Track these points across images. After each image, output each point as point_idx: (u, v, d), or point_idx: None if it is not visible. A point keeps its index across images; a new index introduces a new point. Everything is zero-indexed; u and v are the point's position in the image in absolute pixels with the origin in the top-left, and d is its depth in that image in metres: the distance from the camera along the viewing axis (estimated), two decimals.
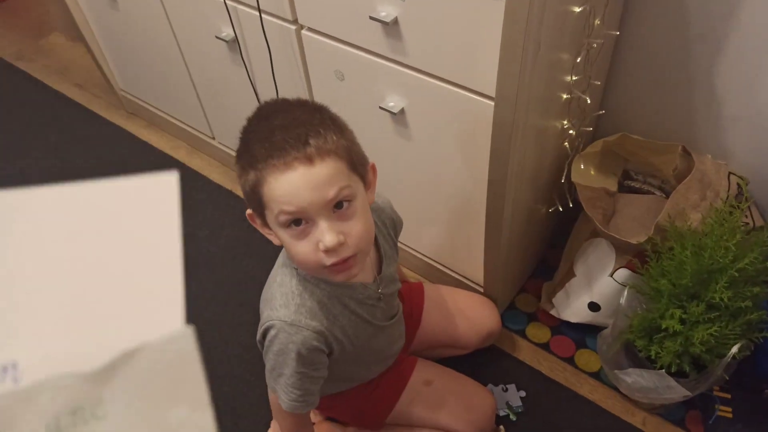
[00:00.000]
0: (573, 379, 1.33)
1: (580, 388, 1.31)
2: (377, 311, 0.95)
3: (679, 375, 1.10)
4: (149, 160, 1.99)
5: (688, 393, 1.10)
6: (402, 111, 1.18)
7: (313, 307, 0.84)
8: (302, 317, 0.82)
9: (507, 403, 1.30)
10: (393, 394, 1.12)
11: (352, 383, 1.10)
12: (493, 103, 1.01)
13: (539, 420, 1.27)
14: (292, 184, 0.70)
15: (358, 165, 0.77)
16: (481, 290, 1.42)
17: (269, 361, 0.86)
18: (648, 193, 1.34)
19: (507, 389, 1.32)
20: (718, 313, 1.03)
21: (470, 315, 1.29)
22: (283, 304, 0.83)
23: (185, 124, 1.97)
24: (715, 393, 1.23)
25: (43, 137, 2.10)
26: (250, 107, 1.56)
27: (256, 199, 0.74)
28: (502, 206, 1.17)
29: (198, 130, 1.94)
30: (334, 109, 1.38)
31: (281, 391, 0.87)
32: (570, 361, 1.36)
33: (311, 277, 0.84)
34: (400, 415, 1.13)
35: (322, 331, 0.84)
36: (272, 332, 0.83)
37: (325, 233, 0.73)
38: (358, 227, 0.76)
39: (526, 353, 1.38)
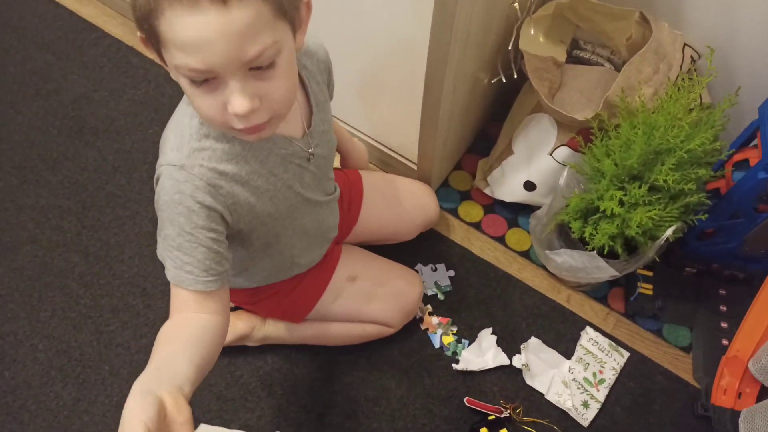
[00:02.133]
0: (502, 258, 1.31)
1: (509, 267, 1.30)
2: (306, 175, 0.80)
3: (610, 256, 1.09)
4: (29, 5, 1.66)
5: (616, 273, 1.10)
6: None
7: (217, 156, 0.68)
8: (196, 162, 0.67)
9: (436, 283, 1.27)
10: (314, 293, 1.02)
11: (271, 278, 0.97)
12: None
13: (467, 298, 1.25)
14: (200, 32, 0.53)
15: (287, 6, 0.59)
16: (415, 167, 1.33)
17: (159, 220, 0.70)
18: (597, 64, 1.24)
19: (436, 269, 1.29)
20: (658, 196, 0.99)
21: (410, 207, 1.20)
22: (176, 146, 0.68)
23: None
24: (638, 271, 1.25)
25: None
26: None
27: (150, 30, 0.57)
28: (444, 73, 1.04)
29: None
30: None
31: (166, 256, 0.70)
32: (501, 240, 1.33)
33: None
34: (322, 312, 1.05)
35: (221, 186, 0.68)
36: (161, 180, 0.68)
37: (236, 97, 0.58)
38: (278, 89, 0.61)
39: (458, 233, 1.34)
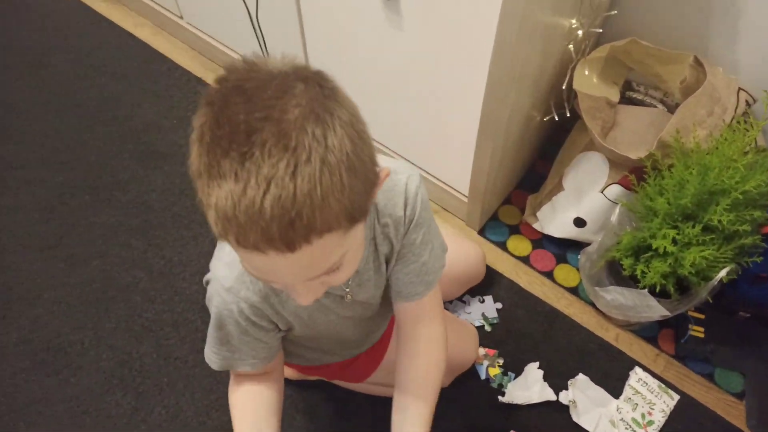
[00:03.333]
0: (550, 293, 1.32)
1: (557, 302, 1.30)
2: (343, 302, 0.77)
3: (661, 295, 1.09)
4: (108, 38, 1.80)
5: (667, 313, 1.09)
6: None
7: (259, 282, 0.68)
8: (242, 287, 0.67)
9: (483, 314, 1.28)
10: (367, 369, 1.03)
11: (322, 361, 0.98)
12: None
13: (514, 331, 1.26)
14: (266, 265, 0.51)
15: (359, 214, 0.51)
16: (465, 200, 1.37)
17: (210, 325, 0.75)
18: (650, 105, 1.26)
19: (483, 300, 1.30)
20: (712, 236, 1.00)
21: (459, 271, 1.20)
22: (229, 262, 0.67)
23: None
24: (689, 313, 1.24)
25: None
26: None
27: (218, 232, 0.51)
28: (499, 110, 1.09)
29: (164, 7, 1.74)
30: None
31: (209, 349, 0.76)
32: (549, 275, 1.34)
33: None
34: (373, 380, 1.05)
35: (264, 308, 0.70)
36: (210, 289, 0.71)
37: (301, 296, 0.57)
38: (343, 276, 0.58)
39: (506, 266, 1.36)
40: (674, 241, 1.02)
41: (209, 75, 1.71)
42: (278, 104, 0.45)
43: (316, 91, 0.47)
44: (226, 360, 0.76)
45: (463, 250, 1.22)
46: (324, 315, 0.77)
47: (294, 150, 0.44)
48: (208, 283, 0.73)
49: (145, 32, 1.82)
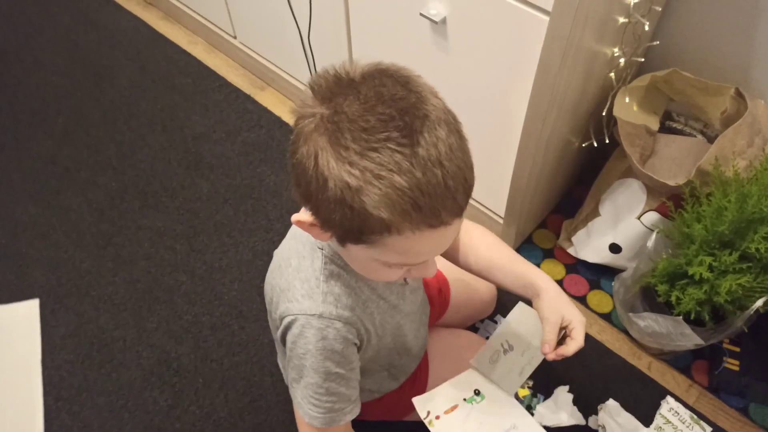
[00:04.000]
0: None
1: (590, 328, 1.30)
2: (405, 292, 0.82)
3: (695, 323, 1.08)
4: (165, 54, 1.90)
5: (701, 341, 1.09)
6: (444, 20, 1.09)
7: (341, 294, 0.70)
8: (331, 307, 0.68)
9: None
10: (405, 410, 1.00)
11: (373, 393, 0.98)
12: (548, 18, 0.93)
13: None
14: (433, 243, 0.58)
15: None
16: (501, 221, 1.39)
17: (295, 367, 0.72)
18: (689, 135, 1.27)
19: None
20: (749, 264, 1.00)
21: (480, 285, 1.20)
22: (306, 294, 0.69)
23: (205, 18, 1.87)
24: (724, 345, 1.22)
25: (56, 18, 2.00)
26: (277, 6, 1.46)
27: (353, 232, 0.56)
28: (538, 134, 1.11)
29: (218, 27, 1.84)
30: (370, 11, 1.28)
31: (308, 404, 0.73)
32: (582, 300, 1.34)
33: (337, 257, 0.69)
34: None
35: (354, 321, 0.71)
36: (295, 330, 0.69)
37: (431, 270, 0.65)
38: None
39: None
40: (710, 268, 1.02)
41: (257, 92, 1.78)
42: (416, 101, 0.53)
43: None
44: (329, 414, 0.73)
45: (476, 291, 1.20)
46: (391, 317, 0.80)
47: (448, 129, 0.54)
48: (287, 329, 0.71)
49: (198, 50, 1.91)
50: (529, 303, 0.83)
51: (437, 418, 0.81)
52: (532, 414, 1.17)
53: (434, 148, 0.51)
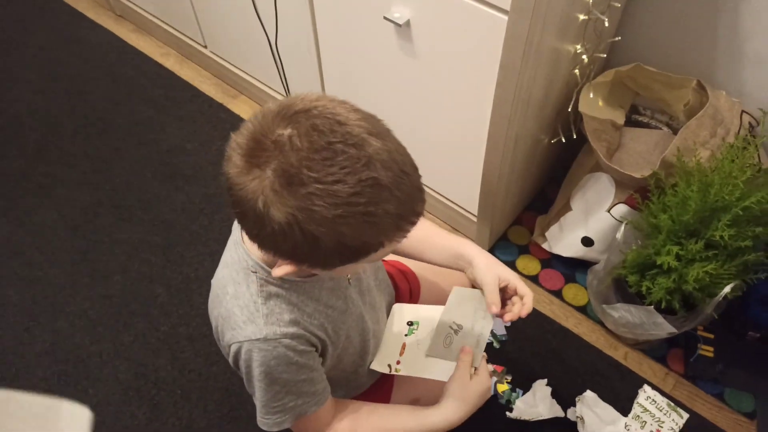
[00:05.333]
0: (559, 312, 1.33)
1: (566, 321, 1.32)
2: (351, 294, 0.80)
3: (667, 312, 1.10)
4: (137, 66, 1.90)
5: (674, 330, 1.10)
6: (407, 23, 1.10)
7: (283, 311, 0.69)
8: (275, 327, 0.68)
9: (492, 332, 1.30)
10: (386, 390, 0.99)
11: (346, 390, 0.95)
12: (506, 17, 0.95)
13: (523, 349, 1.27)
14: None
15: None
16: (475, 219, 1.40)
17: (258, 390, 0.71)
18: (655, 128, 1.29)
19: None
20: (715, 252, 1.01)
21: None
22: (247, 319, 0.68)
23: (175, 29, 1.87)
24: (698, 332, 1.24)
25: (30, 33, 1.99)
26: (245, 15, 1.46)
27: (349, 260, 0.58)
28: (505, 133, 1.13)
29: (189, 37, 1.84)
30: (335, 17, 1.29)
31: (275, 419, 0.73)
32: (558, 294, 1.36)
33: (272, 278, 0.69)
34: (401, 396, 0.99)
35: (302, 334, 0.70)
36: (244, 356, 0.69)
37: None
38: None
39: None
40: (678, 257, 1.04)
41: (230, 101, 1.78)
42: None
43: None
44: (293, 411, 0.73)
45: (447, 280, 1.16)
46: (342, 322, 0.78)
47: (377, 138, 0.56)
48: (237, 357, 0.70)
49: (170, 61, 1.91)
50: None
51: (397, 363, 0.84)
52: (511, 409, 1.18)
53: (384, 159, 0.54)
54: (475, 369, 0.79)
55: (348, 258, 0.58)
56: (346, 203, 0.52)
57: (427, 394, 0.93)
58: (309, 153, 0.52)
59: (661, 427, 1.14)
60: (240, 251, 0.69)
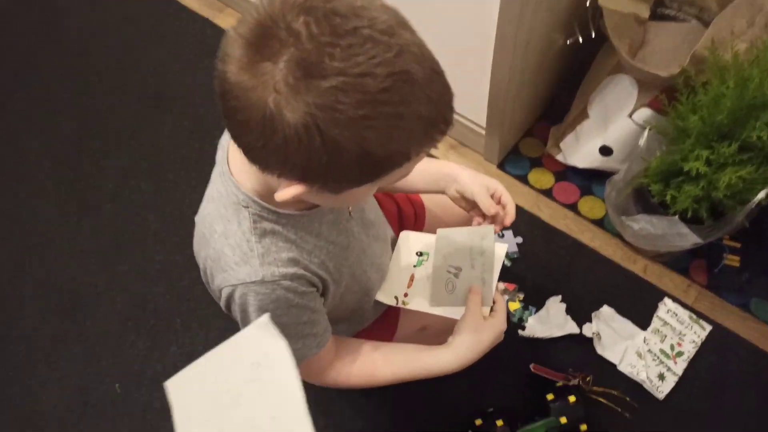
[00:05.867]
0: (574, 226, 1.26)
1: (581, 235, 1.25)
2: (353, 228, 0.73)
3: (692, 222, 1.02)
4: None
5: (699, 240, 1.03)
6: None
7: (281, 250, 0.62)
8: (273, 267, 0.61)
9: None
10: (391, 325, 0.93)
11: (349, 324, 0.90)
12: None
13: (535, 266, 1.22)
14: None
15: None
16: (483, 132, 1.30)
17: None
18: (683, 21, 1.17)
19: (503, 235, 1.25)
20: (750, 155, 0.92)
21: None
22: (240, 260, 0.61)
23: None
24: (724, 241, 1.17)
25: None
26: None
27: (369, 175, 0.50)
28: (515, 33, 1.01)
29: None
30: None
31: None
32: (572, 208, 1.28)
33: (267, 212, 0.61)
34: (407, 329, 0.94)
35: (302, 275, 0.63)
36: (238, 300, 0.62)
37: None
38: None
39: (527, 200, 1.30)
40: (708, 163, 0.95)
41: (216, 15, 1.64)
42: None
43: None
44: (294, 355, 0.67)
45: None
46: (344, 258, 0.71)
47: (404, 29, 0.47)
48: (229, 302, 0.64)
49: None
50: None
51: (405, 296, 0.78)
52: (524, 327, 1.13)
53: (416, 52, 0.46)
54: (491, 309, 0.72)
55: (369, 174, 0.49)
56: (374, 101, 0.43)
57: (436, 322, 0.87)
58: (331, 38, 0.42)
59: (683, 340, 1.10)
60: (228, 184, 0.61)
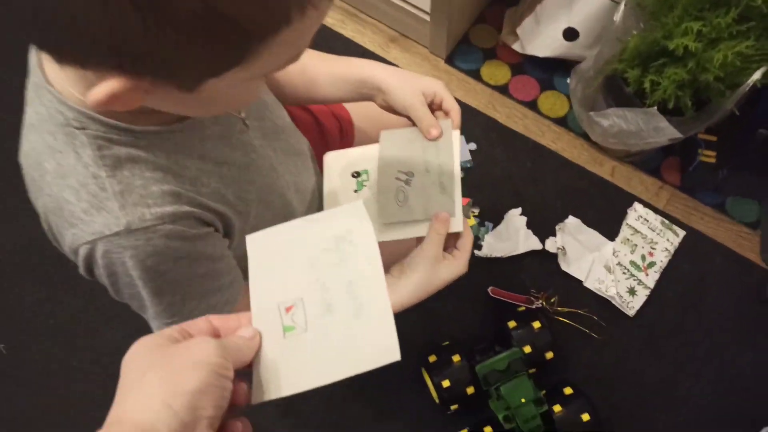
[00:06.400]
0: (534, 127, 1.10)
1: (542, 136, 1.09)
2: (253, 141, 0.56)
3: (671, 113, 0.87)
4: None
5: (678, 135, 0.89)
6: None
7: (148, 183, 0.45)
8: (141, 209, 0.44)
9: None
10: None
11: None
12: None
13: (491, 175, 1.06)
14: (316, 19, 0.37)
15: None
16: (428, 18, 1.09)
17: (131, 297, 0.49)
18: None
19: None
20: (749, 25, 0.76)
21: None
22: (89, 207, 0.44)
23: None
24: (699, 136, 1.04)
25: None
26: None
27: (232, 54, 0.34)
28: None
29: None
30: None
31: (161, 322, 0.51)
32: (532, 105, 1.11)
33: (116, 132, 0.44)
34: None
35: (189, 212, 0.47)
36: (101, 260, 0.45)
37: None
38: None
39: (480, 99, 1.12)
40: (698, 37, 0.78)
41: None
42: None
43: None
44: (202, 311, 0.51)
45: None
46: (249, 182, 0.55)
47: None
48: (89, 260, 0.46)
49: None
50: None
51: None
52: (480, 247, 0.99)
53: None
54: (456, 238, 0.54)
55: (226, 51, 0.33)
56: None
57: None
58: None
59: (654, 249, 0.98)
60: (47, 98, 0.42)
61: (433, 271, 0.52)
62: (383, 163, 0.60)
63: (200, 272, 0.49)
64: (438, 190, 0.56)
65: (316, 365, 0.37)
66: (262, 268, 0.42)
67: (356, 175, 0.63)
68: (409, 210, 0.56)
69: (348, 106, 0.81)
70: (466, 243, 0.53)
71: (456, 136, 0.57)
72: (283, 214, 0.60)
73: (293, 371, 0.37)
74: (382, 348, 0.37)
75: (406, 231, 0.57)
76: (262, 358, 0.37)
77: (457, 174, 0.56)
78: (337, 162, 0.63)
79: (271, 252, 0.43)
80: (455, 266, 0.52)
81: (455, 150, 0.57)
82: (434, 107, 0.59)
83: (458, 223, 0.53)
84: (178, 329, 0.34)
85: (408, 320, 0.93)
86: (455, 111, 0.58)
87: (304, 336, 0.38)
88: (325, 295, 0.40)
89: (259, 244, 0.43)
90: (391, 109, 0.60)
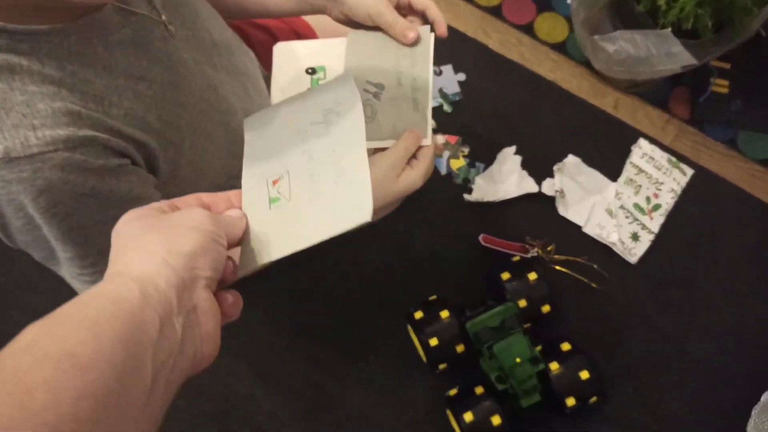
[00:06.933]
0: (530, 55, 0.99)
1: (539, 65, 0.98)
2: (180, 52, 0.47)
3: (687, 36, 0.77)
4: None
5: (693, 61, 0.80)
6: None
7: (34, 98, 0.37)
8: (25, 132, 0.36)
9: (440, 90, 0.96)
10: None
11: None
12: None
13: (482, 109, 0.96)
14: None
15: None
16: None
17: (30, 245, 0.42)
18: None
19: (441, 72, 0.98)
20: None
21: None
22: None
23: None
24: (711, 63, 0.94)
25: None
26: None
27: None
28: None
29: None
30: None
31: (84, 283, 0.45)
32: (527, 30, 1.00)
33: None
34: None
35: (90, 137, 0.39)
36: None
37: None
38: None
39: (470, 23, 1.01)
40: None
41: None
42: None
43: None
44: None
45: None
46: (180, 105, 0.45)
47: None
48: None
49: None
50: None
51: None
52: (470, 190, 0.90)
53: None
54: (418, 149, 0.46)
55: None
56: None
57: None
58: None
59: (660, 189, 0.90)
60: None
61: (390, 179, 0.44)
62: (350, 63, 0.50)
63: (111, 214, 0.41)
64: (411, 107, 0.47)
65: (297, 230, 0.37)
66: (255, 148, 0.42)
67: (311, 71, 0.54)
68: (377, 127, 0.48)
69: (311, 21, 0.70)
70: (427, 152, 0.46)
71: (432, 45, 0.48)
72: (230, 149, 0.51)
73: (276, 238, 0.37)
74: (356, 209, 0.36)
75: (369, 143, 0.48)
76: (250, 232, 0.38)
77: (431, 89, 0.48)
78: (288, 55, 0.54)
79: (263, 131, 0.43)
80: (411, 176, 0.45)
81: (431, 61, 0.48)
82: (403, 11, 0.49)
83: (427, 142, 0.47)
84: (167, 202, 0.33)
85: (391, 273, 0.86)
86: (432, 10, 0.49)
87: (287, 205, 0.38)
88: (310, 164, 0.40)
89: (253, 126, 0.43)
90: (351, 22, 0.50)
